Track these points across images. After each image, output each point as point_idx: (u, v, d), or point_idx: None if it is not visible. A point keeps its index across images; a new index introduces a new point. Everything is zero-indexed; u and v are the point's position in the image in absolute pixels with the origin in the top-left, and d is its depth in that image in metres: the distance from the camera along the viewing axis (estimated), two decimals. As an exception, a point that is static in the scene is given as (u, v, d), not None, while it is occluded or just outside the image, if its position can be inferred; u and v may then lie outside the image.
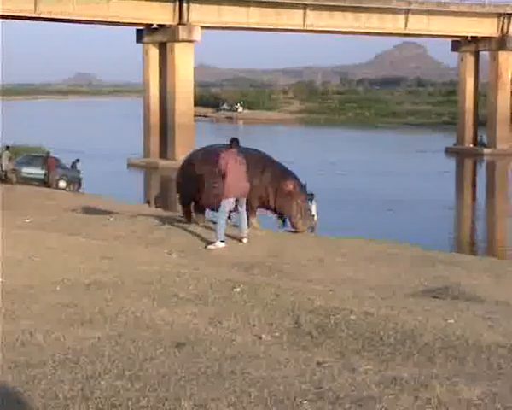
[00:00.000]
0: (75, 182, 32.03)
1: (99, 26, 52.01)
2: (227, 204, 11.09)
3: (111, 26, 52.23)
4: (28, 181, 30.75)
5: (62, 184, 31.29)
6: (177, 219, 12.98)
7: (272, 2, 49.64)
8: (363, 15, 52.69)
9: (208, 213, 12.90)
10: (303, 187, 12.43)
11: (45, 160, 31.90)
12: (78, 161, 33.18)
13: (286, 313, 5.65)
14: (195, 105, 52.63)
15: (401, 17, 54.32)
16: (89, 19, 46.75)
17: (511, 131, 57.79)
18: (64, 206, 19.00)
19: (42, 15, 44.37)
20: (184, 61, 47.54)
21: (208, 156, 12.34)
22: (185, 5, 47.05)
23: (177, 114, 47.41)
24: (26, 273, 7.03)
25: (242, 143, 11.82)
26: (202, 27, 47.70)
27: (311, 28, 52.76)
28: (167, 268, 7.79)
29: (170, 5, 47.03)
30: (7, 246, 8.13)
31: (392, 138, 71.42)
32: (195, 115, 52.51)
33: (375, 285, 8.20)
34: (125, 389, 3.81)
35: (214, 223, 12.24)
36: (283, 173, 12.45)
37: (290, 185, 12.23)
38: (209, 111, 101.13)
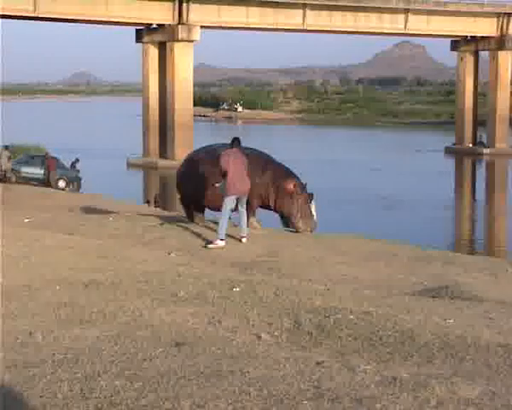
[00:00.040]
0: (74, 182, 32.02)
1: (98, 25, 52.02)
2: (229, 202, 11.09)
3: (110, 26, 52.24)
4: (27, 181, 30.76)
5: (62, 183, 31.28)
6: (177, 219, 12.98)
7: (272, 1, 49.65)
8: (362, 15, 52.71)
9: (208, 214, 12.90)
10: (304, 187, 12.42)
11: (44, 160, 31.89)
12: (77, 160, 33.18)
13: (285, 313, 5.65)
14: (195, 105, 52.67)
15: (400, 17, 54.34)
16: (88, 18, 46.75)
17: (510, 130, 57.85)
18: (63, 205, 18.99)
19: (41, 15, 44.36)
20: (184, 60, 47.54)
21: (209, 156, 12.33)
22: (185, 5, 47.05)
23: (176, 114, 47.41)
24: (24, 272, 7.03)
25: (242, 143, 11.81)
26: (202, 27, 47.70)
27: (310, 28, 52.80)
28: (167, 268, 7.79)
29: (169, 5, 47.03)
30: (4, 245, 8.13)
31: (391, 138, 71.46)
32: (195, 115, 52.53)
33: (375, 284, 8.20)
34: (125, 388, 3.81)
35: (215, 223, 12.25)
36: (284, 173, 12.44)
37: (291, 185, 12.22)
38: (208, 111, 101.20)
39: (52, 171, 31.04)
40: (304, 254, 10.32)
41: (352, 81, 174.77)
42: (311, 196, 12.45)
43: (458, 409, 3.60)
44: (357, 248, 11.18)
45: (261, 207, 12.47)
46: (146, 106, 49.71)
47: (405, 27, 54.96)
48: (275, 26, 52.20)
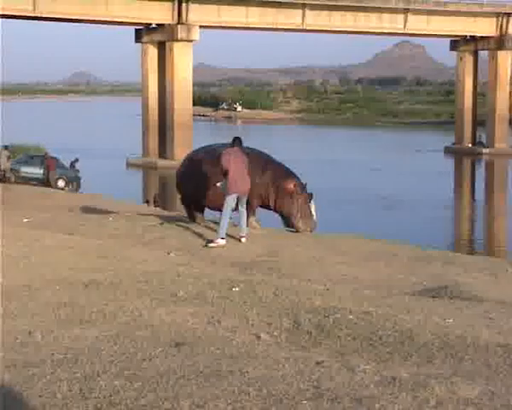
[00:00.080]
0: (74, 182, 32.02)
1: (98, 25, 52.01)
2: (230, 201, 11.09)
3: (109, 26, 52.23)
4: (27, 181, 30.75)
5: (61, 183, 31.28)
6: (177, 219, 12.98)
7: (271, 1, 49.66)
8: (361, 15, 52.72)
9: (208, 213, 12.89)
10: (304, 187, 12.42)
11: (44, 159, 31.89)
12: (76, 160, 33.18)
13: (285, 313, 5.64)
14: (194, 105, 52.67)
15: (400, 17, 54.36)
16: (87, 18, 46.74)
17: (510, 130, 57.86)
18: (63, 205, 18.99)
19: (40, 15, 44.36)
20: (183, 60, 47.54)
21: (209, 156, 12.32)
22: (184, 5, 47.05)
23: (175, 114, 47.41)
24: (24, 272, 7.03)
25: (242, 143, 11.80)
26: (201, 27, 47.71)
27: (309, 28, 52.81)
28: (166, 268, 7.79)
29: (169, 5, 47.03)
30: (4, 245, 8.12)
31: (391, 138, 71.47)
32: (194, 115, 52.53)
33: (374, 284, 8.20)
34: (124, 388, 3.81)
35: (215, 223, 12.25)
36: (284, 173, 12.44)
37: (291, 185, 12.21)
38: (208, 110, 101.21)
39: (52, 171, 31.04)
40: (304, 254, 10.32)
41: (352, 81, 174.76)
42: (310, 196, 12.44)
43: (458, 409, 3.60)
44: (357, 248, 11.18)
45: (261, 206, 12.47)
46: (145, 106, 49.71)
47: (405, 27, 54.98)
48: (274, 26, 52.21)
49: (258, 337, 5.05)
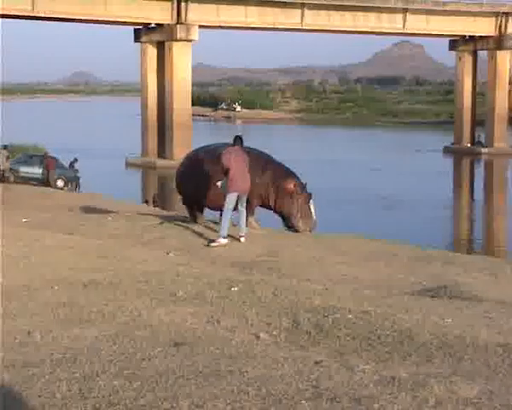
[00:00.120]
0: (73, 181, 32.02)
1: (97, 25, 52.00)
2: (230, 199, 11.08)
3: (109, 26, 52.23)
4: (26, 181, 30.74)
5: (60, 183, 31.29)
6: (177, 219, 12.97)
7: (270, 1, 49.67)
8: (361, 14, 52.74)
9: (208, 213, 12.89)
10: (304, 187, 12.41)
11: (43, 159, 31.89)
12: (76, 160, 33.19)
13: (284, 313, 5.64)
14: (193, 104, 52.65)
15: (399, 16, 54.38)
16: (86, 18, 46.73)
17: (509, 130, 57.90)
18: (63, 205, 18.98)
19: (39, 14, 44.35)
20: (182, 60, 47.55)
21: (209, 155, 12.30)
22: (183, 4, 47.05)
23: (174, 114, 47.41)
24: (24, 272, 7.03)
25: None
26: (200, 26, 47.71)
27: (309, 27, 52.82)
28: (166, 268, 7.79)
29: (168, 4, 47.02)
30: (4, 245, 8.12)
31: (391, 138, 71.47)
32: (193, 115, 52.52)
33: (374, 284, 8.20)
34: (123, 388, 3.81)
35: (215, 223, 12.26)
36: (284, 173, 12.43)
37: (291, 185, 12.20)
38: (207, 110, 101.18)
39: (51, 170, 31.04)
40: (304, 254, 10.31)
41: (351, 81, 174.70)
42: (309, 196, 12.43)
43: (457, 409, 3.60)
44: (357, 248, 11.17)
45: (261, 206, 12.46)
46: (144, 106, 49.70)
47: (404, 27, 55.01)
48: (273, 26, 52.20)
49: (258, 337, 5.06)
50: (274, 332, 5.23)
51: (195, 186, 12.28)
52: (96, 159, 45.44)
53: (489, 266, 10.32)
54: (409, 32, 57.28)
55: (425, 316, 5.64)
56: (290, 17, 51.00)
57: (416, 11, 54.46)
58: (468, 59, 58.23)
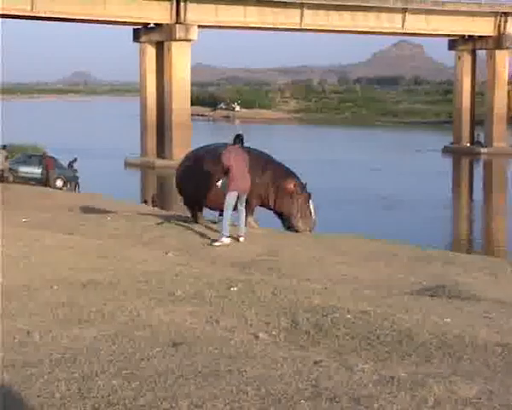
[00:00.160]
0: (72, 181, 32.02)
1: (96, 25, 52.00)
2: (230, 198, 11.07)
3: (108, 25, 52.22)
4: (25, 181, 30.72)
5: (59, 183, 31.27)
6: (176, 218, 12.96)
7: (269, 1, 49.66)
8: (360, 14, 52.75)
9: (208, 213, 12.88)
10: (304, 187, 12.40)
11: (42, 159, 31.88)
12: (75, 160, 33.17)
13: (283, 312, 5.64)
14: (192, 104, 52.63)
15: (398, 16, 54.39)
16: (85, 18, 46.72)
17: (508, 129, 57.91)
18: (63, 205, 18.97)
19: (38, 14, 44.34)
20: (181, 60, 47.54)
21: (209, 155, 12.29)
22: (182, 4, 47.05)
23: (173, 114, 47.40)
24: (23, 272, 7.02)
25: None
26: (199, 26, 47.70)
27: (308, 27, 52.83)
28: (166, 267, 7.79)
29: (167, 4, 47.02)
30: (4, 245, 8.12)
31: (391, 138, 71.46)
32: (192, 114, 52.50)
33: (373, 284, 8.20)
34: (122, 388, 3.80)
35: (214, 222, 12.26)
36: (284, 173, 12.42)
37: (291, 185, 12.19)
38: (206, 110, 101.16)
39: (51, 170, 31.03)
40: (304, 254, 10.31)
41: (351, 81, 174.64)
42: (309, 196, 12.43)
43: (456, 409, 3.60)
44: (357, 248, 11.16)
45: (261, 206, 12.46)
46: (144, 106, 49.69)
47: (403, 27, 55.02)
48: (272, 26, 52.21)
49: (257, 337, 5.05)
50: (273, 332, 5.23)
51: (195, 186, 12.27)
52: (96, 159, 45.44)
53: (489, 266, 10.32)
54: (408, 31, 57.31)
55: (424, 316, 5.64)
56: (289, 17, 50.99)
57: (415, 11, 54.47)
58: (467, 59, 58.25)
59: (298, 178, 12.47)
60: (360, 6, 52.33)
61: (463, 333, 5.13)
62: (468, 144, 57.80)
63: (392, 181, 39.49)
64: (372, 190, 34.86)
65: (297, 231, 12.21)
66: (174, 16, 47.11)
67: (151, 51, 48.88)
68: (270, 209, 12.48)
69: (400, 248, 11.50)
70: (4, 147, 31.48)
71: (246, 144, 11.75)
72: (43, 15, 44.83)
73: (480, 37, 57.19)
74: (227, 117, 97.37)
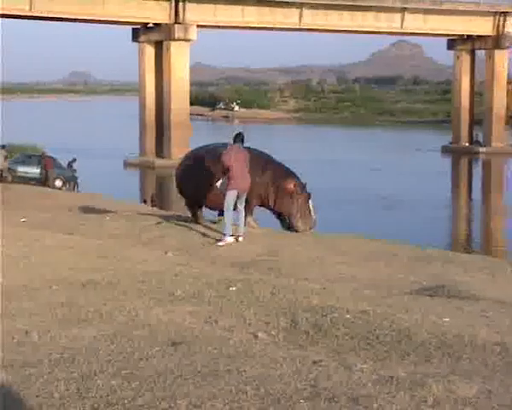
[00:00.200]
0: (71, 181, 32.01)
1: (95, 24, 51.99)
2: (230, 197, 11.06)
3: (107, 25, 52.20)
4: (24, 181, 30.69)
5: (58, 183, 31.26)
6: (175, 218, 12.96)
7: (268, 1, 49.65)
8: (359, 14, 52.75)
9: (208, 213, 12.87)
10: (304, 187, 12.39)
11: (41, 159, 31.88)
12: (74, 160, 33.17)
13: (282, 312, 5.64)
14: (191, 104, 52.63)
15: (397, 16, 54.40)
16: (84, 18, 46.71)
17: (506, 129, 57.95)
18: (63, 205, 18.96)
19: (37, 14, 44.32)
20: (180, 59, 47.53)
21: (209, 155, 12.27)
22: (181, 4, 47.05)
23: (172, 113, 47.39)
24: (22, 272, 7.02)
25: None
26: (198, 26, 47.69)
27: (307, 27, 52.82)
28: (164, 267, 7.78)
29: (166, 4, 47.02)
30: (4, 245, 8.12)
31: (390, 137, 71.46)
32: (191, 114, 52.48)
33: (373, 284, 8.20)
34: (121, 387, 3.80)
35: (213, 222, 12.26)
36: (284, 173, 12.40)
37: (291, 185, 12.18)
38: (205, 110, 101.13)
39: (50, 170, 31.02)
40: (304, 254, 10.30)
41: (350, 80, 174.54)
42: (308, 196, 12.42)
43: (455, 408, 3.60)
44: (357, 248, 11.16)
45: (261, 206, 12.45)
46: (143, 105, 49.69)
47: (402, 26, 55.03)
48: (271, 26, 52.21)
49: (256, 337, 5.05)
50: (272, 332, 5.23)
51: (195, 186, 12.25)
52: (96, 159, 45.42)
53: (489, 266, 10.32)
54: (407, 31, 57.33)
55: (423, 315, 5.64)
56: (288, 17, 50.99)
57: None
58: (465, 58, 58.26)
59: (298, 178, 12.46)
60: (359, 6, 52.33)
61: (462, 333, 5.14)
62: (467, 144, 57.82)
63: (392, 181, 39.48)
64: (372, 190, 34.85)
65: (297, 231, 12.20)
66: (173, 16, 47.11)
67: (150, 51, 48.88)
68: (270, 209, 12.46)
69: (400, 248, 11.50)
70: (3, 147, 31.48)
71: (245, 144, 11.75)
72: (42, 15, 44.82)
73: (479, 36, 57.19)
74: (226, 117, 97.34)
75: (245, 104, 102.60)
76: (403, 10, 54.17)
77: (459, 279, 8.85)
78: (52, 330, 5.01)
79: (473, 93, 58.59)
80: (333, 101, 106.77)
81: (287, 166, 12.73)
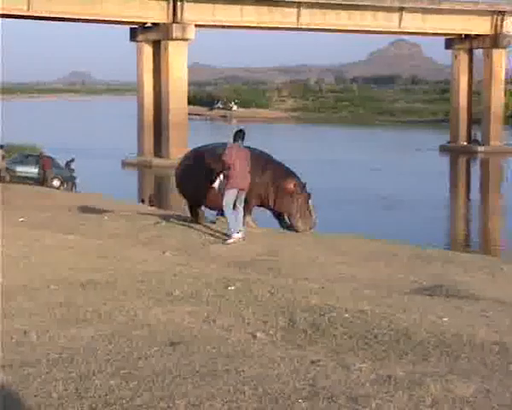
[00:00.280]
0: (69, 181, 32.00)
1: (93, 24, 51.95)
2: (229, 196, 11.05)
3: (105, 25, 52.16)
4: (22, 180, 30.69)
5: (56, 183, 31.24)
6: (175, 218, 12.95)
7: (266, 0, 49.62)
8: (357, 13, 52.70)
9: (208, 213, 12.86)
10: (304, 187, 12.38)
11: (39, 159, 31.87)
12: (72, 160, 33.15)
13: (280, 312, 5.64)
14: (189, 104, 52.57)
15: (395, 15, 54.36)
16: (82, 17, 46.65)
17: (505, 128, 57.96)
18: (63, 205, 18.95)
19: (35, 14, 44.28)
20: (178, 59, 47.48)
21: (209, 155, 12.26)
22: (179, 3, 46.99)
23: (170, 113, 47.34)
24: (23, 272, 7.02)
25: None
26: (196, 26, 47.65)
27: (305, 26, 52.78)
28: (162, 267, 7.78)
29: (164, 3, 46.97)
30: (4, 245, 8.12)
31: (390, 137, 71.43)
32: (189, 114, 52.43)
33: (373, 284, 8.20)
34: (120, 387, 3.80)
35: (213, 222, 12.25)
36: (284, 173, 12.38)
37: (291, 185, 12.16)
38: (204, 110, 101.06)
39: (48, 170, 31.01)
40: (304, 254, 10.30)
41: (348, 80, 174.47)
42: (308, 196, 12.41)
43: (453, 408, 3.60)
44: (357, 248, 11.15)
45: (260, 206, 12.44)
46: (141, 105, 49.63)
47: (400, 26, 54.98)
48: (270, 25, 52.17)
49: (254, 336, 5.06)
50: (270, 331, 5.23)
51: (195, 186, 12.24)
52: (95, 159, 45.39)
53: (486, 265, 10.33)
54: (405, 30, 57.28)
55: (422, 315, 5.64)
56: (286, 16, 50.94)
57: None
58: (463, 57, 58.23)
59: (298, 178, 12.44)
60: (356, 5, 52.28)
61: (461, 332, 5.14)
62: (465, 143, 57.84)
63: (392, 181, 39.44)
64: (372, 190, 34.81)
65: (297, 231, 12.20)
66: (171, 16, 47.06)
67: (148, 51, 48.82)
68: (270, 209, 12.46)
69: (400, 248, 11.50)
70: (1, 147, 31.47)
71: (245, 144, 11.74)
72: (40, 15, 44.77)
73: (477, 35, 57.18)
74: (224, 116, 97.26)
75: (243, 104, 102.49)
76: (401, 10, 54.13)
77: (459, 279, 8.85)
78: (51, 330, 5.02)
79: (471, 92, 58.56)
80: (331, 100, 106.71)
81: (287, 165, 12.72)
